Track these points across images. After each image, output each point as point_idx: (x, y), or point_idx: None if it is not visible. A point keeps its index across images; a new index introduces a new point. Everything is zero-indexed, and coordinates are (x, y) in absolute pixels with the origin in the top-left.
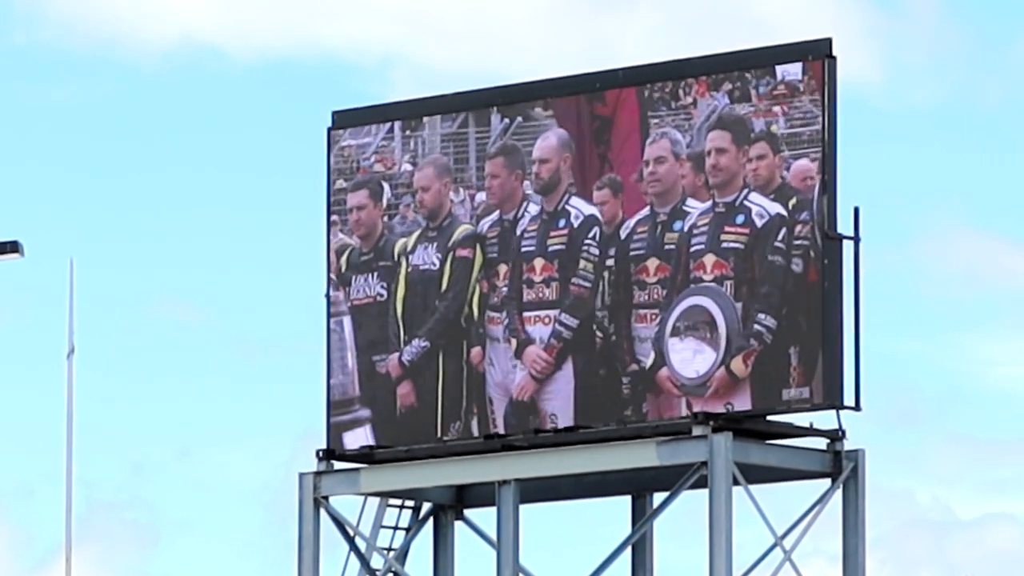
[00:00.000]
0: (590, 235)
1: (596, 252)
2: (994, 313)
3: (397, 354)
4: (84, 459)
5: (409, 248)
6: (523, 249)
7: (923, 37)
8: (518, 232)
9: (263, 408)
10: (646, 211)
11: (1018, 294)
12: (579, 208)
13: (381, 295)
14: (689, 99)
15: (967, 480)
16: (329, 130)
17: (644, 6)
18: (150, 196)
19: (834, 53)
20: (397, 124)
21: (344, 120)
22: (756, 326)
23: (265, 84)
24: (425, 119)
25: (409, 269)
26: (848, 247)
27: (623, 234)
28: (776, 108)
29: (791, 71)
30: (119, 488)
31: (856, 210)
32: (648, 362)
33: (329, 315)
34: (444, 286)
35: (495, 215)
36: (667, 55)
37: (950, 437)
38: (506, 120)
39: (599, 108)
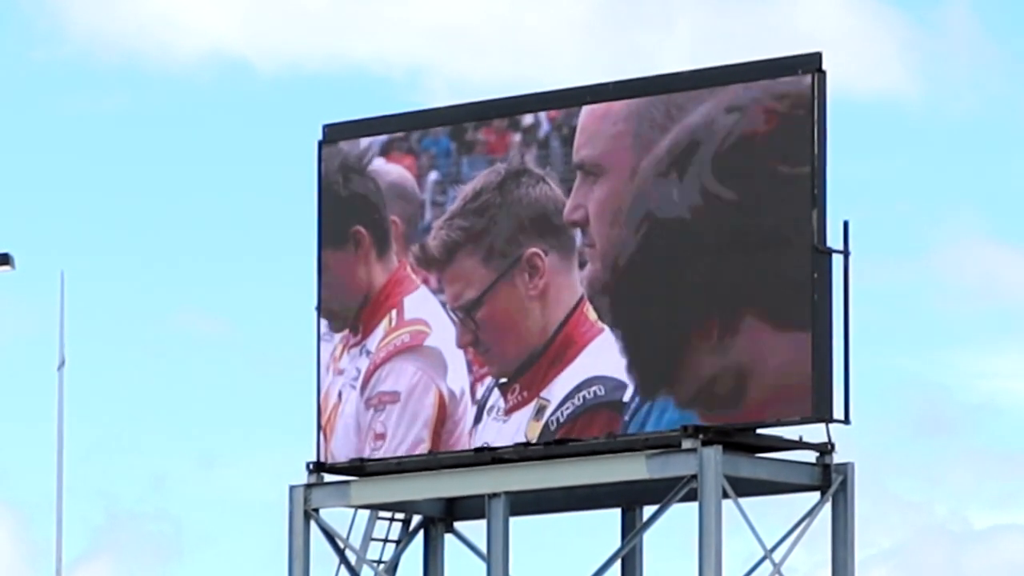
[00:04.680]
0: None
1: None
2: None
3: None
4: (105, 471)
5: None
6: None
7: (960, 51)
8: None
9: (259, 420)
10: None
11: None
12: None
13: None
14: None
15: (980, 492)
16: (320, 143)
17: (680, 17)
18: (145, 207)
19: (824, 67)
20: None
21: (335, 134)
22: None
23: (291, 97)
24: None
25: None
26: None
27: None
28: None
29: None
30: (139, 499)
31: (845, 224)
32: None
33: (319, 327)
34: None
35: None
36: (701, 66)
37: (963, 451)
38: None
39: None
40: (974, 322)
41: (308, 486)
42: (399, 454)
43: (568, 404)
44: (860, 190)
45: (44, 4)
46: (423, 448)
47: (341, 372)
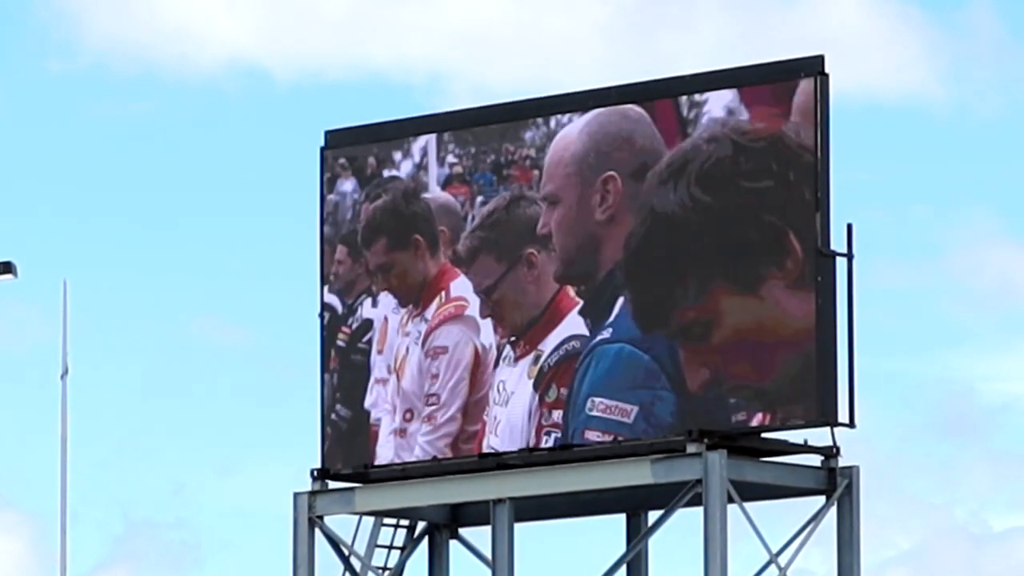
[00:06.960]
0: None
1: None
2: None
3: None
4: (122, 479)
5: None
6: None
7: (985, 54)
8: None
9: (266, 428)
10: None
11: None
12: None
13: None
14: None
15: (997, 494)
16: (322, 150)
17: (703, 20)
18: (150, 216)
19: (826, 70)
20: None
21: (337, 140)
22: None
23: (310, 105)
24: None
25: None
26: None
27: None
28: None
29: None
30: (157, 508)
31: (849, 227)
32: None
33: (323, 333)
34: None
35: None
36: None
37: (979, 453)
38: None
39: None
40: (990, 324)
41: (312, 493)
42: (450, 386)
43: (555, 354)
44: (873, 192)
45: (61, 14)
46: (463, 387)
47: (408, 334)
